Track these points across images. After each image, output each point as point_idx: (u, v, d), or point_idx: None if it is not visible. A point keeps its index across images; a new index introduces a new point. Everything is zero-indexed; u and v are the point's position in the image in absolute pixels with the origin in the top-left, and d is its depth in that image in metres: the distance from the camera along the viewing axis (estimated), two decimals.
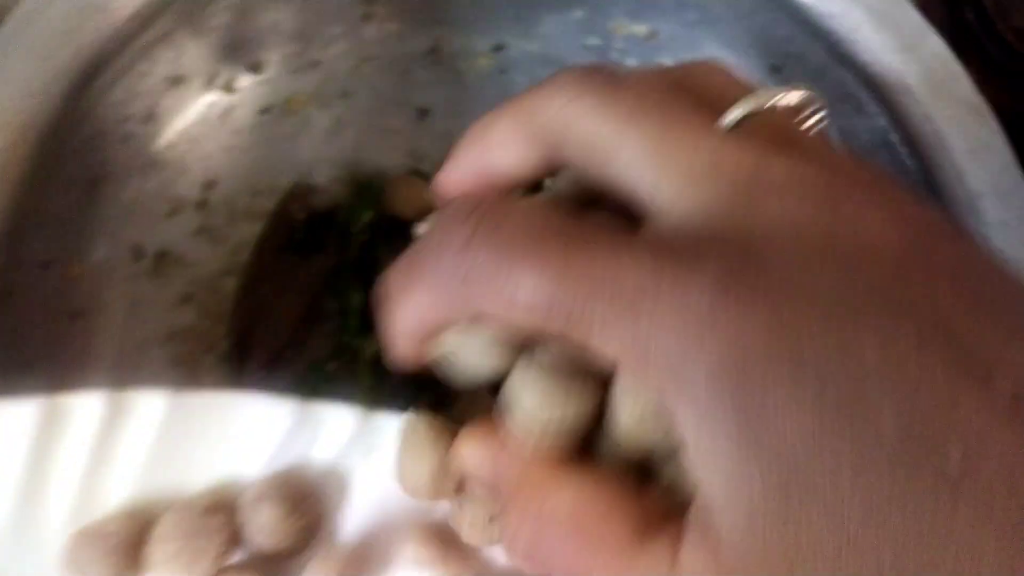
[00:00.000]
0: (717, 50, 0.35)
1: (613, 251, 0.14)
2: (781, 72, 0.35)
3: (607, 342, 0.14)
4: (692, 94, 0.16)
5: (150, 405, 0.21)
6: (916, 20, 0.31)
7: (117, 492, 0.21)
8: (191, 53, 0.32)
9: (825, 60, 0.32)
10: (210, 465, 0.21)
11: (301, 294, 0.35)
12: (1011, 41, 0.49)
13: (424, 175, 0.36)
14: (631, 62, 0.37)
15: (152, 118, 0.33)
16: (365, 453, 0.22)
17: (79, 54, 0.28)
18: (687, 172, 0.14)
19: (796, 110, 0.16)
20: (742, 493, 0.12)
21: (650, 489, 0.16)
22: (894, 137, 0.31)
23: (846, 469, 0.12)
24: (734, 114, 0.16)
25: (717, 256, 0.13)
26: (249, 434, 0.22)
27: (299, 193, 0.35)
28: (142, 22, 0.29)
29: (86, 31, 0.28)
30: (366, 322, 0.32)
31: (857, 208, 0.14)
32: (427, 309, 0.16)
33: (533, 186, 0.18)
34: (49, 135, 0.28)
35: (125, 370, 0.32)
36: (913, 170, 0.31)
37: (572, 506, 0.15)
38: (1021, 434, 0.12)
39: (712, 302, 0.13)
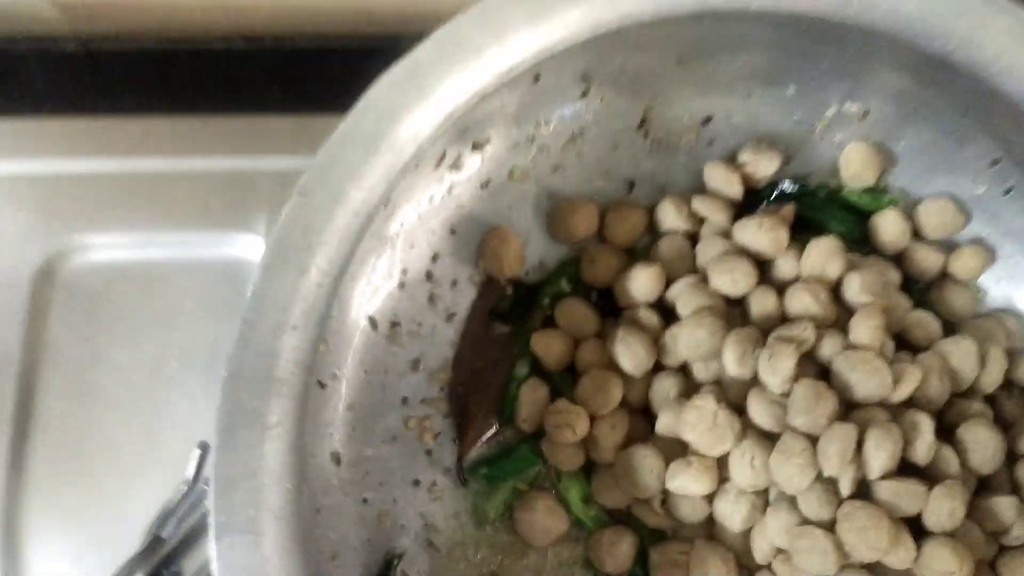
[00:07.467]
0: (932, 136, 0.36)
1: None
2: (998, 164, 0.35)
3: None
4: None
5: None
6: None
7: None
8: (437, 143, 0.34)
9: None
10: None
11: (502, 361, 0.38)
12: None
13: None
14: (837, 138, 0.38)
15: (389, 201, 0.34)
16: None
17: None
18: None
19: None
20: None
21: None
22: None
23: None
24: None
25: None
26: None
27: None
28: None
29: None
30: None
31: None
32: None
33: None
34: None
35: (362, 432, 0.35)
36: None
37: None
38: None
39: None
